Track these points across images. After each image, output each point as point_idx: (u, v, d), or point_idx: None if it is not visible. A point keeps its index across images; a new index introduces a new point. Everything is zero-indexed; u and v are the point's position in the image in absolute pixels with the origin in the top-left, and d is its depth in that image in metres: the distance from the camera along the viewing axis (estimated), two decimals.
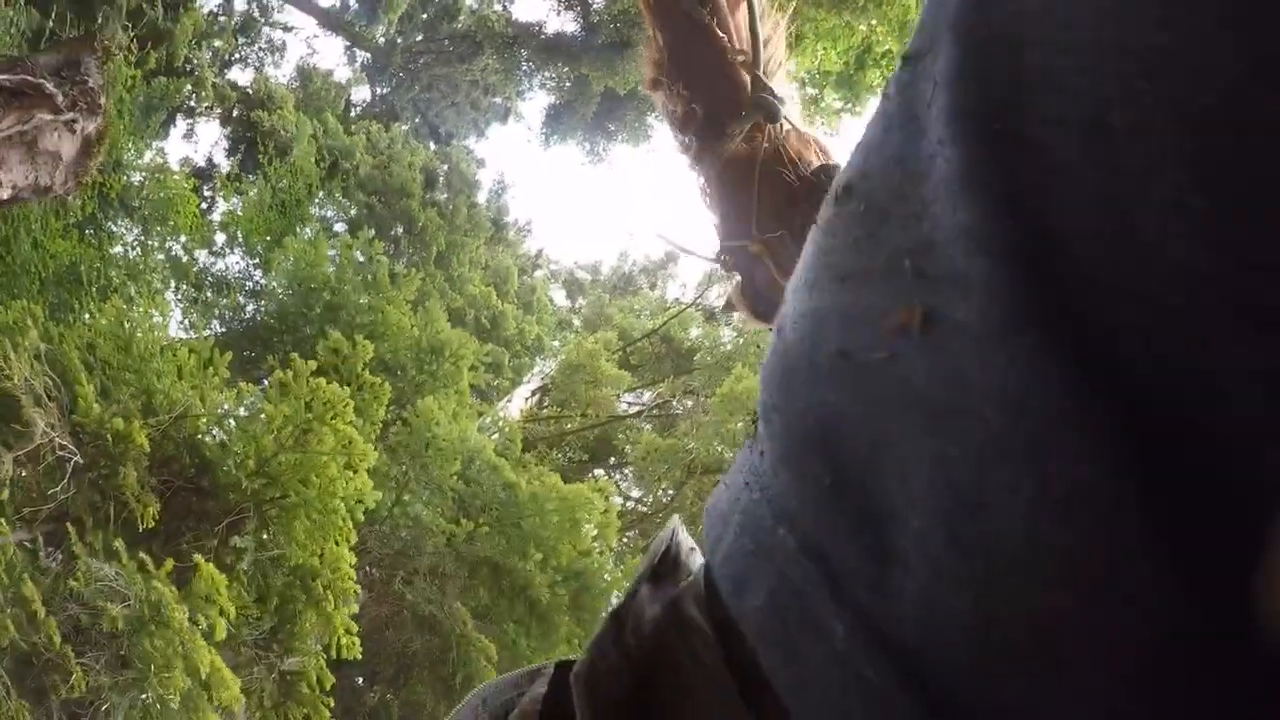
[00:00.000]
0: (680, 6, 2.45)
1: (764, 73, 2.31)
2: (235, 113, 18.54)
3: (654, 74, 2.52)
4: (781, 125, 2.21)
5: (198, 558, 7.40)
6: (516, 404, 18.33)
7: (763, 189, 2.07)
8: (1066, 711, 0.25)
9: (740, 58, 2.31)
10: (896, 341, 0.31)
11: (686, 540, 0.51)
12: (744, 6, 2.38)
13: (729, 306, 2.39)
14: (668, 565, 0.49)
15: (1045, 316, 0.26)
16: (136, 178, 13.54)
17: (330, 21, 21.20)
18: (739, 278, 2.27)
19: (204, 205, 16.65)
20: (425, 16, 21.09)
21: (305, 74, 20.82)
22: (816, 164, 2.06)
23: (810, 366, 0.36)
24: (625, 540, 16.00)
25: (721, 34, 2.30)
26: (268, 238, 15.14)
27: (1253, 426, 0.23)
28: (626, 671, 0.44)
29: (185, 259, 14.86)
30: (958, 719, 0.27)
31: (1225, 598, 0.23)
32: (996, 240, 0.28)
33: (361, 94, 22.84)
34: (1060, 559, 0.25)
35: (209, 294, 15.13)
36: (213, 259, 15.87)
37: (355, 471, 8.44)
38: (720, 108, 2.25)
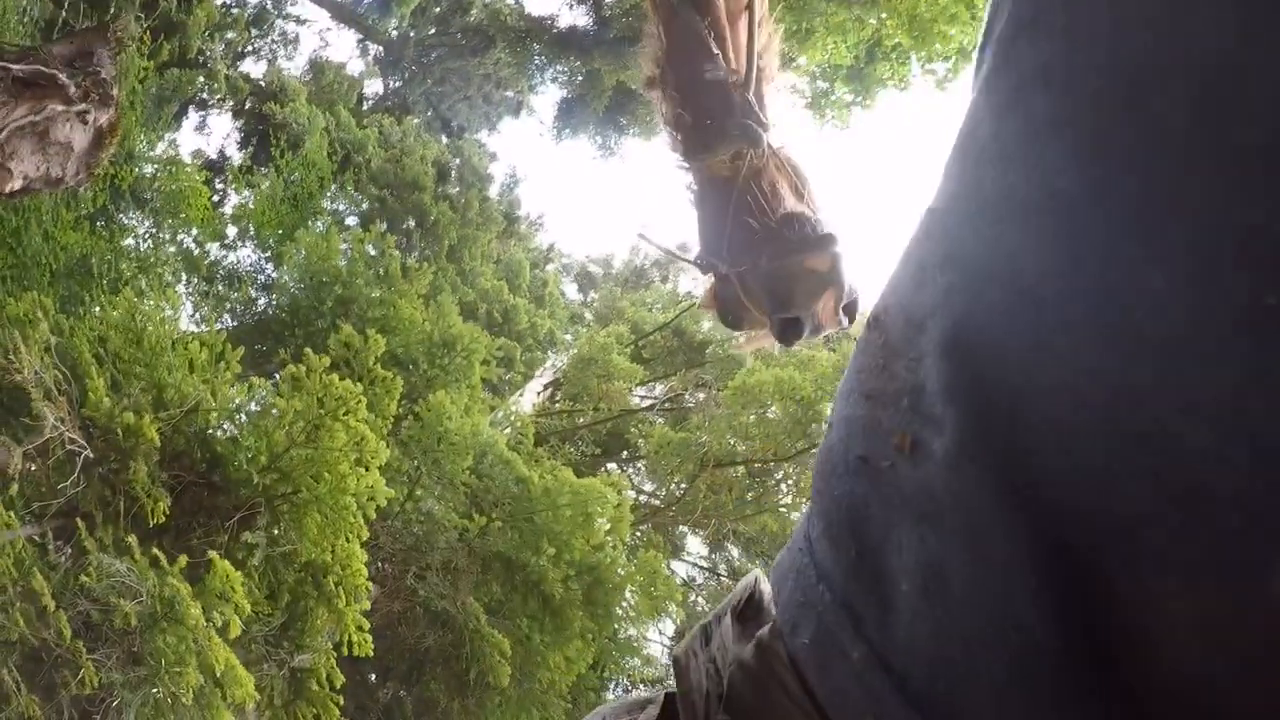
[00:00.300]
0: (679, 17, 2.42)
1: (755, 92, 2.34)
2: (248, 105, 18.54)
3: (651, 72, 2.53)
4: (763, 151, 2.22)
5: (212, 554, 7.36)
6: (529, 398, 18.29)
7: (737, 217, 2.14)
8: (984, 709, 0.40)
9: (733, 77, 2.32)
10: (895, 456, 0.45)
11: (768, 591, 0.62)
12: (743, 23, 2.40)
13: (704, 304, 2.46)
14: (752, 609, 0.62)
15: (982, 455, 0.40)
16: (148, 170, 13.53)
17: (343, 14, 21.16)
18: (713, 280, 2.32)
19: (216, 198, 16.66)
20: (438, 10, 21.05)
21: (318, 67, 20.81)
22: (786, 205, 2.09)
23: (844, 464, 0.50)
24: (638, 534, 15.95)
25: (717, 49, 2.32)
26: (279, 231, 15.12)
27: (1132, 517, 0.35)
28: (725, 698, 0.55)
29: (197, 252, 14.86)
30: (924, 712, 0.42)
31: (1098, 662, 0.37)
32: (962, 399, 0.42)
33: (374, 87, 22.86)
34: (978, 600, 0.40)
35: (220, 287, 15.13)
36: (224, 252, 15.88)
37: (367, 467, 8.39)
38: (708, 121, 2.30)
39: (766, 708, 0.52)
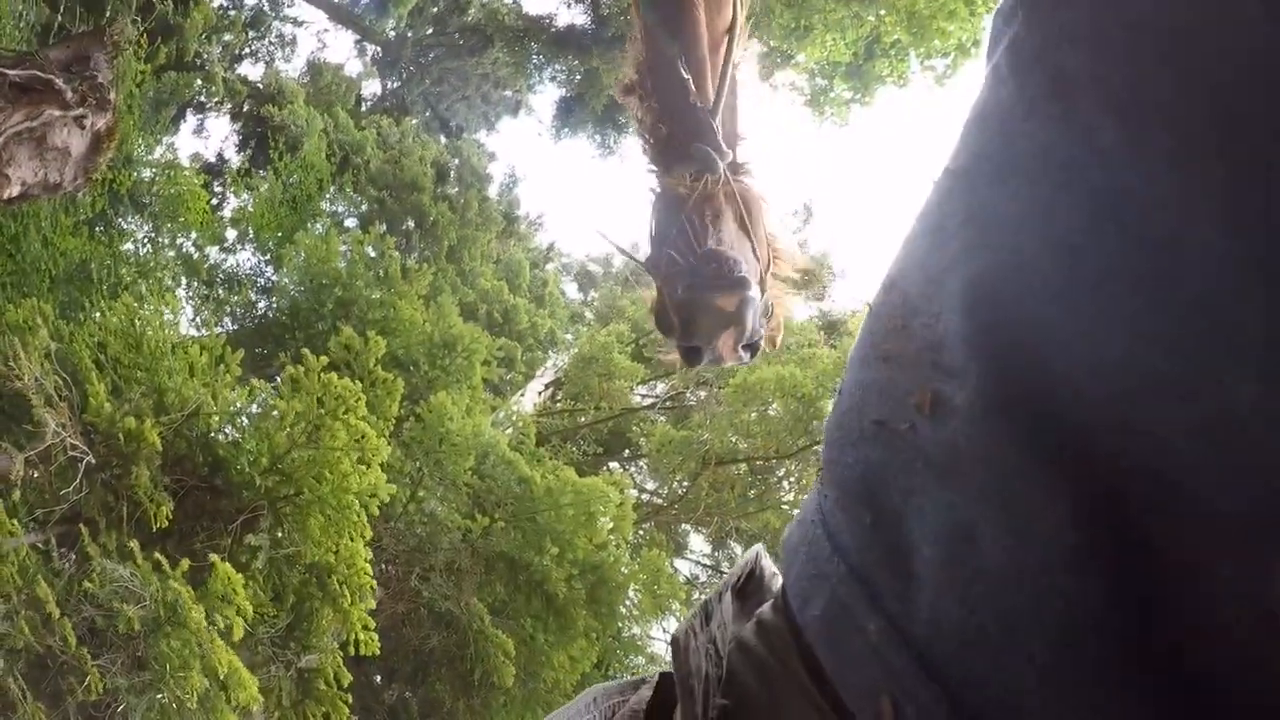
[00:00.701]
0: (657, 41, 2.50)
1: (724, 119, 2.47)
2: (246, 108, 18.52)
3: (631, 78, 2.63)
4: (719, 178, 2.32)
5: (214, 557, 7.36)
6: (530, 398, 18.28)
7: (674, 242, 2.26)
8: (1021, 681, 0.37)
9: (703, 102, 2.42)
10: (915, 417, 0.44)
11: (770, 567, 0.63)
12: (723, 50, 2.49)
13: (648, 307, 2.53)
14: (753, 586, 0.62)
15: (1010, 405, 0.39)
16: (147, 174, 13.51)
17: (340, 15, 21.14)
18: (656, 285, 2.40)
19: (214, 201, 16.64)
20: (435, 10, 21.03)
21: (316, 68, 20.80)
22: (722, 238, 2.21)
23: (859, 431, 0.49)
24: (641, 532, 15.95)
25: (688, 74, 2.41)
26: (279, 233, 15.11)
27: (1174, 467, 0.34)
28: (724, 680, 0.54)
29: (196, 255, 14.86)
30: (948, 686, 0.40)
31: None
32: (987, 350, 0.41)
33: (372, 88, 22.84)
34: (1015, 565, 0.38)
35: (220, 291, 15.13)
36: (224, 255, 15.88)
37: (369, 467, 8.39)
38: (677, 140, 2.43)
39: (767, 690, 0.51)
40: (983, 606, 0.39)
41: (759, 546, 0.65)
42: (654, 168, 2.53)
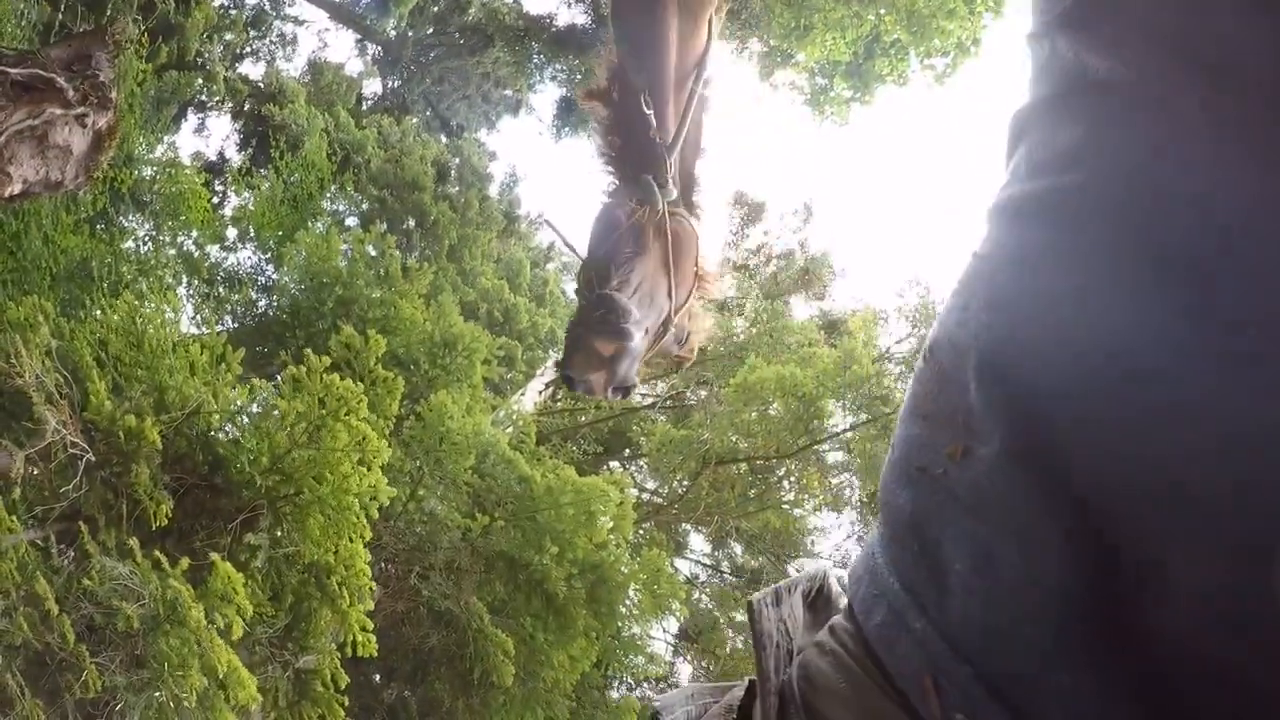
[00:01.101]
0: (625, 70, 2.58)
1: (681, 157, 2.56)
2: (247, 107, 18.53)
3: (599, 86, 2.66)
4: (658, 212, 2.40)
5: (214, 556, 7.36)
6: (530, 397, 18.28)
7: (612, 253, 2.33)
8: (1028, 662, 0.50)
9: (662, 136, 2.47)
10: (947, 464, 0.56)
11: (836, 587, 0.76)
12: (688, 86, 2.56)
13: None
14: (822, 601, 0.76)
15: (1023, 459, 0.51)
16: (148, 172, 13.52)
17: (341, 15, 21.15)
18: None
19: (215, 200, 16.66)
20: (436, 9, 21.03)
21: (316, 68, 20.81)
22: (631, 279, 2.27)
23: (905, 476, 0.61)
24: (641, 532, 15.94)
25: (650, 109, 2.45)
26: (279, 232, 15.12)
27: (1141, 504, 0.47)
28: (803, 678, 0.67)
29: (197, 254, 14.86)
30: (975, 666, 0.52)
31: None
32: (1004, 416, 0.53)
33: (373, 87, 22.85)
34: (1023, 577, 0.50)
35: (221, 289, 15.13)
36: (224, 254, 15.89)
37: (369, 467, 8.38)
38: (627, 161, 2.53)
39: (845, 680, 0.64)
40: (999, 608, 0.52)
41: (826, 565, 0.80)
42: (605, 174, 2.61)
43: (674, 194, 2.46)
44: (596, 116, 2.67)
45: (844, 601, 0.71)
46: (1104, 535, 0.47)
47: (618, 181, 2.54)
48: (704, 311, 2.70)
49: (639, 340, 2.19)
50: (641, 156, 2.50)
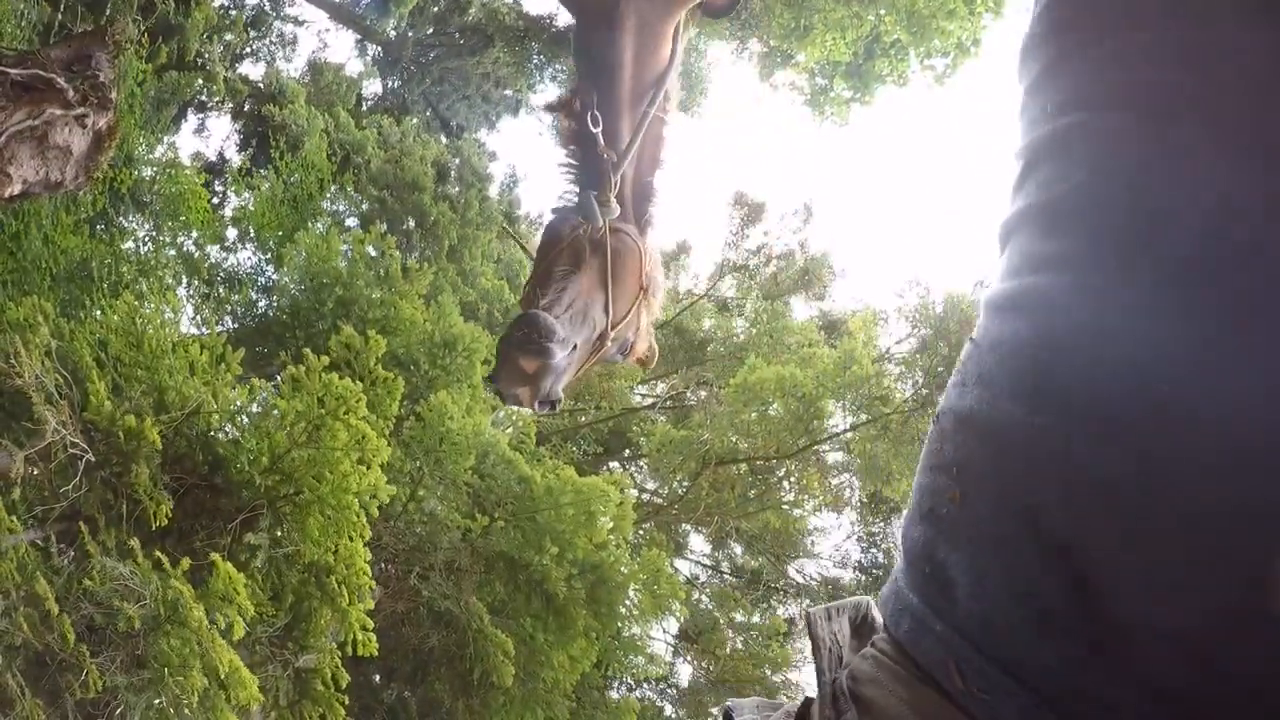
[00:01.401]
0: (582, 88, 2.64)
1: (637, 172, 2.66)
2: (247, 107, 18.54)
3: (564, 100, 2.73)
4: (598, 232, 2.48)
5: (215, 556, 7.36)
6: None
7: (550, 269, 2.44)
8: (1021, 649, 0.64)
9: (608, 155, 2.55)
10: (950, 506, 0.71)
11: (877, 617, 0.86)
12: (644, 103, 2.63)
13: None
14: (866, 628, 0.88)
15: (1007, 502, 0.67)
16: (148, 173, 13.53)
17: (341, 15, 21.16)
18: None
19: (215, 200, 16.66)
20: (436, 10, 21.04)
21: (316, 68, 20.80)
22: (563, 297, 2.36)
23: (919, 515, 0.76)
24: (641, 532, 15.96)
25: (598, 128, 2.53)
26: (279, 233, 15.12)
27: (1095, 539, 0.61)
28: (851, 678, 0.78)
29: (197, 254, 14.86)
30: (984, 652, 0.66)
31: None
32: (993, 472, 0.69)
33: (373, 88, 22.84)
34: (1010, 589, 0.65)
35: (221, 290, 15.13)
36: (224, 254, 15.89)
37: (369, 467, 8.39)
38: (579, 183, 2.61)
39: (880, 673, 0.77)
40: (995, 611, 0.66)
41: (868, 599, 0.92)
42: (564, 183, 2.70)
43: (616, 211, 2.53)
44: (559, 128, 2.75)
45: (880, 624, 0.85)
46: (1072, 560, 0.61)
47: (575, 191, 2.61)
48: (648, 323, 2.81)
49: (561, 358, 2.27)
50: (590, 172, 2.59)
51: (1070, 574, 0.61)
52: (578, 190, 2.59)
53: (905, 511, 0.82)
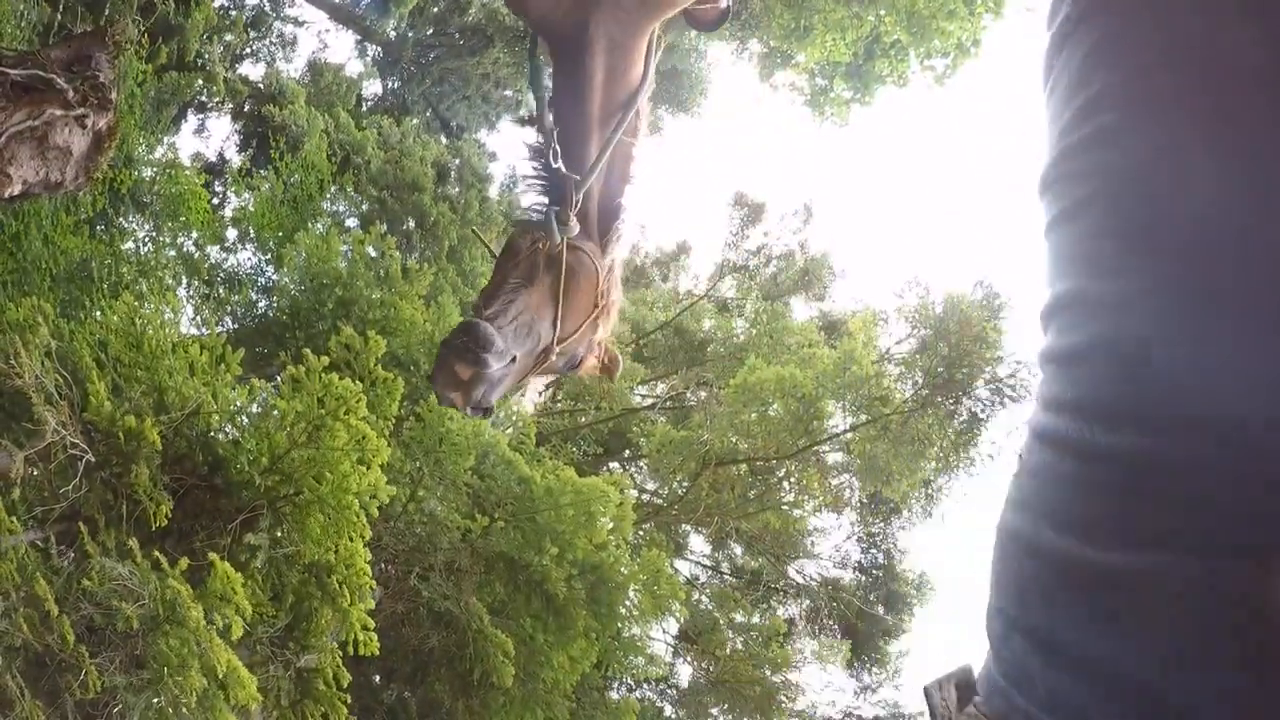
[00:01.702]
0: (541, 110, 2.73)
1: (606, 189, 2.72)
2: (247, 108, 18.54)
3: (531, 115, 2.83)
4: (556, 245, 2.53)
5: (213, 556, 7.36)
6: (530, 397, 18.24)
7: (503, 280, 2.50)
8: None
9: (569, 171, 2.61)
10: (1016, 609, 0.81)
11: (974, 684, 0.93)
12: (613, 121, 2.70)
13: None
14: (966, 692, 0.92)
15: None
16: (148, 173, 13.54)
17: (341, 16, 21.16)
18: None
19: (215, 201, 16.67)
20: (436, 10, 21.04)
21: (316, 69, 20.80)
22: (512, 307, 2.41)
23: (996, 611, 0.84)
24: (641, 533, 15.94)
25: (558, 144, 2.61)
26: (279, 233, 15.12)
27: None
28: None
29: (197, 255, 14.87)
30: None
31: None
32: (1034, 583, 0.79)
33: (373, 88, 22.84)
34: (1070, 688, 0.71)
35: (221, 290, 15.13)
36: (224, 255, 15.89)
37: (369, 467, 8.39)
38: (544, 196, 2.68)
39: None
40: (1067, 696, 0.71)
41: (970, 665, 0.98)
42: (531, 195, 2.76)
43: (575, 229, 2.58)
44: (526, 143, 2.80)
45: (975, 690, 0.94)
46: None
47: (543, 204, 2.67)
48: (603, 337, 2.89)
49: (497, 369, 2.32)
50: (555, 188, 2.65)
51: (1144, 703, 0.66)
52: (545, 204, 2.64)
53: (987, 605, 0.90)
